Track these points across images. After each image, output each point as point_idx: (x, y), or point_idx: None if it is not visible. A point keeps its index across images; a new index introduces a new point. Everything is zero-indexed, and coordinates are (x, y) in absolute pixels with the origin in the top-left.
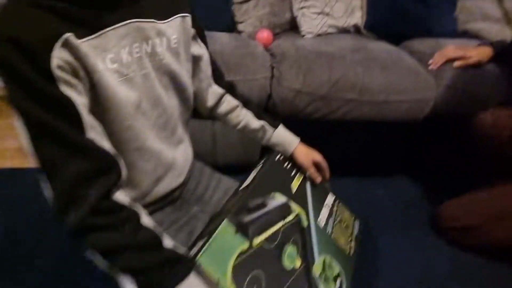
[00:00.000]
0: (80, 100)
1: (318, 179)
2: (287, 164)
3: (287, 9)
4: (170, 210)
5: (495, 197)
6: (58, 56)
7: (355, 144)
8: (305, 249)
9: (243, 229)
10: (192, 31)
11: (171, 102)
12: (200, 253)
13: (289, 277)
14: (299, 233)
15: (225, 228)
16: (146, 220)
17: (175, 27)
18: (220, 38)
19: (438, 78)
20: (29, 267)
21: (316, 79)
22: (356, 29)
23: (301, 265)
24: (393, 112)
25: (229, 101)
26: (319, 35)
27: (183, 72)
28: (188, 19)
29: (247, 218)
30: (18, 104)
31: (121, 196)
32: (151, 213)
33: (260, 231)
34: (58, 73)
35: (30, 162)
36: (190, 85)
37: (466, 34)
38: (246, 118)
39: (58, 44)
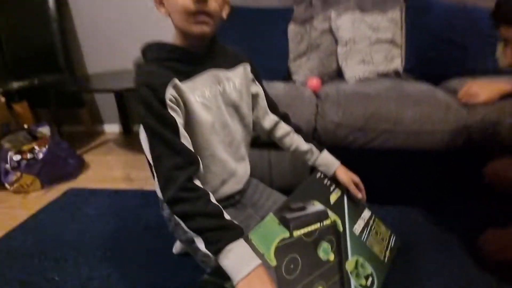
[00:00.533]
0: (179, 120)
1: (359, 194)
2: (327, 181)
3: (333, 60)
4: (231, 210)
5: None
6: (170, 93)
7: (394, 173)
8: (339, 248)
9: (285, 222)
10: (251, 75)
11: (235, 126)
12: (251, 232)
13: (322, 266)
14: (334, 235)
15: (271, 219)
16: (214, 199)
17: (239, 74)
18: (276, 86)
19: (471, 110)
20: (130, 253)
21: (353, 113)
22: (396, 74)
23: (334, 259)
24: (428, 142)
25: (283, 127)
26: (361, 79)
27: (244, 105)
28: (248, 67)
29: (289, 215)
30: (146, 122)
31: (198, 182)
32: None
33: (299, 227)
34: (169, 103)
35: (129, 186)
36: (249, 115)
37: (511, 72)
38: (298, 141)
39: (170, 86)
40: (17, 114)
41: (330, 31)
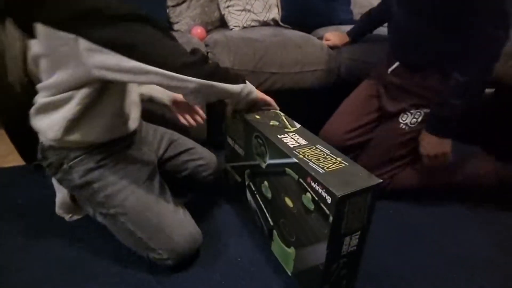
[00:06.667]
0: None
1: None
2: None
3: (215, 9)
4: (129, 151)
5: None
6: None
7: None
8: None
9: None
10: None
11: None
12: None
13: None
14: None
15: None
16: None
17: None
18: None
19: (338, 52)
20: None
21: (243, 57)
22: (275, 23)
23: None
24: (308, 81)
25: None
26: (244, 28)
27: None
28: None
29: None
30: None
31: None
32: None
33: None
34: None
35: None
36: None
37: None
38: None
39: None
40: None
41: None
